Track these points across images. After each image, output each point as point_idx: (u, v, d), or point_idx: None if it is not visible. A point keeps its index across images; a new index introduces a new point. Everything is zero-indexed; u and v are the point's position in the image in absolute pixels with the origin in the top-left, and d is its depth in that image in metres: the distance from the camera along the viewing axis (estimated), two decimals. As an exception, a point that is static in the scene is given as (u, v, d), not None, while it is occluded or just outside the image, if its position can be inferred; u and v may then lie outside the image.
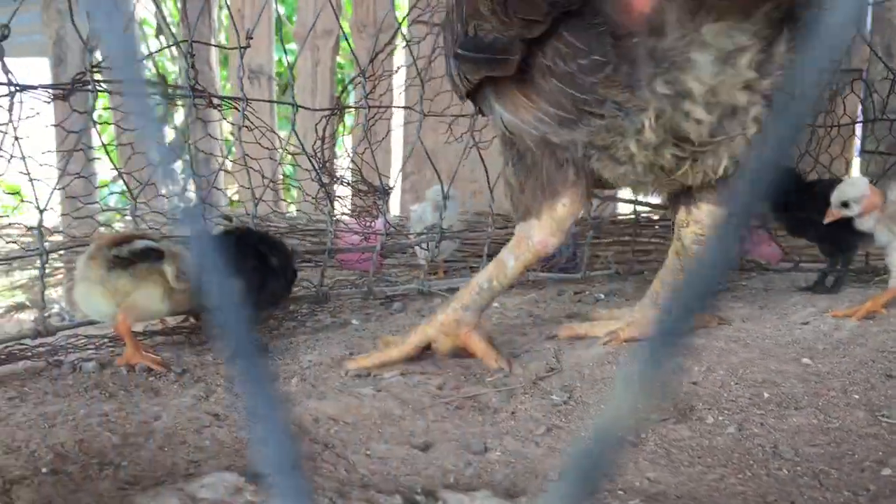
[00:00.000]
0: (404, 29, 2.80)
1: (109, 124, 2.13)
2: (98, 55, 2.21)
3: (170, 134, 3.12)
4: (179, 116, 2.88)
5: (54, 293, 4.51)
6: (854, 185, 2.35)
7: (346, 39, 2.61)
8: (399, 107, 2.72)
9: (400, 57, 4.47)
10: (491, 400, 1.74)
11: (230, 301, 0.37)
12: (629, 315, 2.15)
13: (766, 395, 1.66)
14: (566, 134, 1.72)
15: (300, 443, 1.48)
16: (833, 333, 2.07)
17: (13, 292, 4.43)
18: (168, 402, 1.72)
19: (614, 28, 1.52)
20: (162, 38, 8.56)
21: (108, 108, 2.19)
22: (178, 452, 1.40)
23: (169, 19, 8.09)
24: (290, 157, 2.75)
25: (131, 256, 1.92)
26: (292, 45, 7.70)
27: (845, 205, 2.32)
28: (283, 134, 3.56)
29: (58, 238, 3.00)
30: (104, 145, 2.05)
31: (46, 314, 3.52)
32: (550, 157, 1.85)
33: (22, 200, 2.03)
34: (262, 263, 2.16)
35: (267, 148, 2.42)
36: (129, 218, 2.59)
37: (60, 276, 4.25)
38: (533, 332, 2.30)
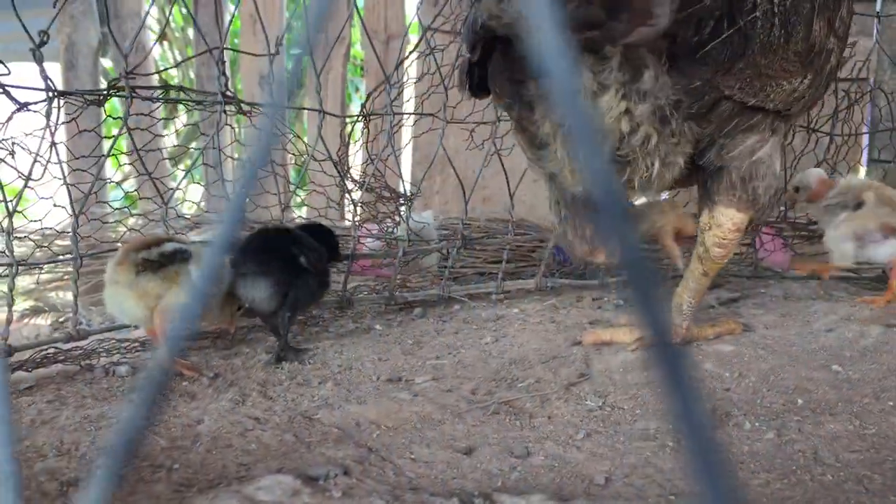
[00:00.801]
0: (420, 36, 2.82)
1: (141, 129, 2.14)
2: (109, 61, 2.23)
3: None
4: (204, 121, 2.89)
5: (62, 298, 4.52)
6: (807, 175, 2.71)
7: (370, 45, 2.62)
8: (424, 114, 2.73)
9: (413, 64, 4.50)
10: (525, 405, 1.75)
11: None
12: None
13: (799, 401, 1.68)
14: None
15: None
16: (859, 341, 2.09)
17: (22, 297, 4.44)
18: (206, 406, 1.74)
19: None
20: (166, 43, 8.60)
21: (139, 115, 2.21)
22: (226, 455, 1.42)
23: (173, 25, 8.12)
24: (300, 161, 2.76)
25: (160, 259, 1.93)
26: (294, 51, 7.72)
27: (797, 190, 2.70)
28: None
29: (64, 243, 3.01)
30: (136, 149, 2.06)
31: (62, 319, 3.54)
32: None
33: (54, 205, 2.04)
34: (295, 264, 2.18)
35: (293, 154, 2.44)
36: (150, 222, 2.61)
37: (66, 281, 4.25)
38: (558, 338, 2.32)
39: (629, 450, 1.47)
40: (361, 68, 7.27)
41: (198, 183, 5.51)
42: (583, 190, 1.93)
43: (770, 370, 1.87)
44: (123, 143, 2.53)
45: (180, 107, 2.80)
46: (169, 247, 1.95)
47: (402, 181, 2.66)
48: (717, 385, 1.80)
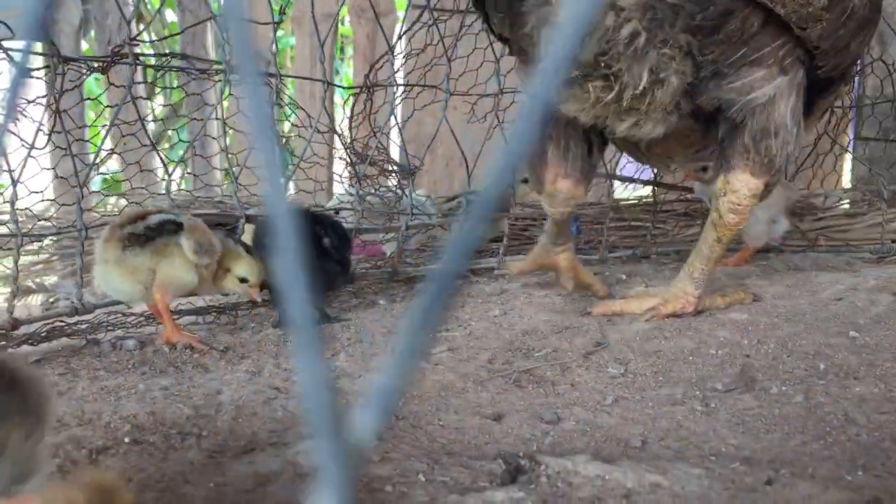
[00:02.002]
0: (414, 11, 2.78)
1: (146, 99, 2.09)
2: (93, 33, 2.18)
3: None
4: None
5: (48, 280, 4.44)
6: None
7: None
8: (427, 86, 2.69)
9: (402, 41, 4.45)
10: (546, 373, 1.74)
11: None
12: (666, 291, 2.16)
13: (822, 366, 1.68)
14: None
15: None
16: (870, 308, 2.09)
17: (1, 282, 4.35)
18: (222, 377, 1.70)
19: None
20: (142, 24, 8.45)
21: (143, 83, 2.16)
22: (253, 423, 1.39)
23: (149, 6, 7.99)
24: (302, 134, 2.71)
25: (146, 233, 1.87)
26: (280, 33, 7.62)
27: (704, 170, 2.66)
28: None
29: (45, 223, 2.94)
30: (140, 119, 2.01)
31: (52, 300, 3.47)
32: (542, 139, 2.08)
33: (57, 177, 1.98)
34: (317, 245, 2.15)
35: (296, 125, 2.39)
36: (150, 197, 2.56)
37: (54, 261, 4.18)
38: (567, 310, 2.30)
39: (659, 414, 1.46)
40: (342, 48, 7.19)
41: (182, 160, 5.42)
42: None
43: (787, 337, 1.87)
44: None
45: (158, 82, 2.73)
46: (155, 219, 1.88)
47: (408, 155, 2.62)
48: (737, 352, 1.79)
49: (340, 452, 0.26)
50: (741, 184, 1.92)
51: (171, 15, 6.74)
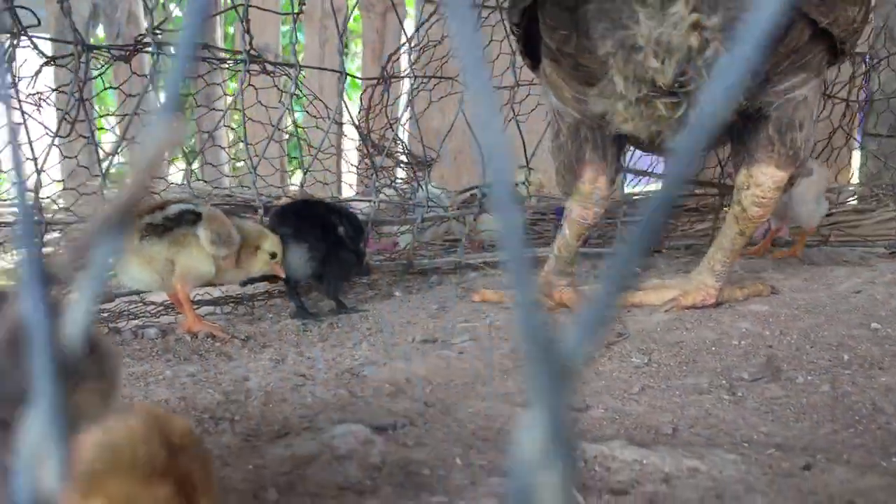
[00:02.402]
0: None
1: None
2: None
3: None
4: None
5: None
6: None
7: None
8: (444, 78, 2.70)
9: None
10: (569, 363, 1.74)
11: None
12: (686, 283, 2.16)
13: (846, 357, 1.68)
14: (581, 109, 1.93)
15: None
16: (889, 301, 2.10)
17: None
18: (246, 365, 1.71)
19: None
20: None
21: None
22: (284, 409, 1.39)
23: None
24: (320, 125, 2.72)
25: (164, 223, 1.87)
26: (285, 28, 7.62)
27: None
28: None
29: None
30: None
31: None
32: (573, 137, 2.03)
33: (78, 165, 1.98)
34: (333, 233, 2.17)
35: (314, 116, 2.40)
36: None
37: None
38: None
39: (687, 402, 1.46)
40: (346, 45, 7.20)
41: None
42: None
43: (808, 328, 1.87)
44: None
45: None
46: (174, 209, 1.88)
47: (424, 147, 2.62)
48: (760, 342, 1.79)
49: (553, 374, 0.26)
50: (766, 177, 1.92)
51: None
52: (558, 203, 3.54)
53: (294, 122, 2.33)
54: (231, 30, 6.21)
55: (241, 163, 3.41)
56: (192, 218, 1.93)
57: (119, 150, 1.97)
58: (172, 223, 1.90)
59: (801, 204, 2.61)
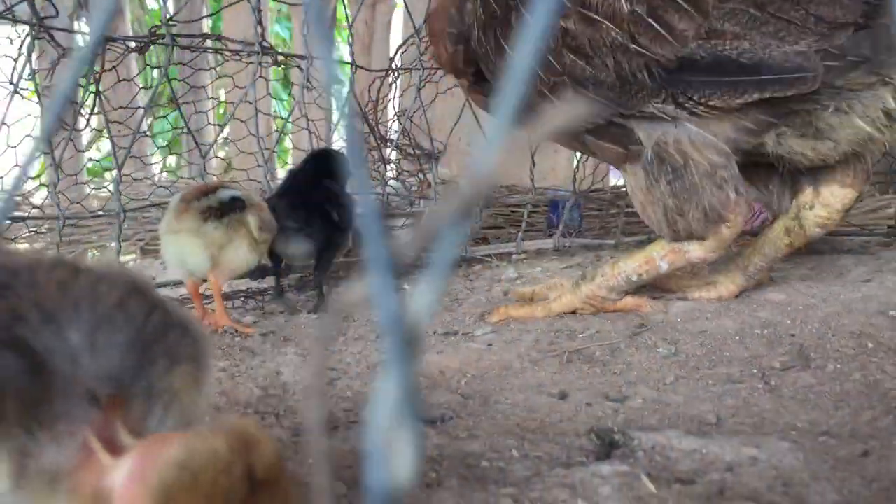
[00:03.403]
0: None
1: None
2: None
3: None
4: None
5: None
6: None
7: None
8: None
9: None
10: (595, 353, 1.75)
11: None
12: (712, 279, 2.15)
13: (870, 344, 1.70)
14: (758, 138, 1.81)
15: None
16: (901, 289, 2.13)
17: None
18: (273, 359, 1.70)
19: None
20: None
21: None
22: (326, 403, 1.38)
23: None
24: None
25: (220, 207, 1.86)
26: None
27: None
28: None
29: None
30: (175, 99, 1.99)
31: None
32: (710, 177, 1.85)
33: (89, 160, 1.95)
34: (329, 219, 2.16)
35: (323, 108, 2.38)
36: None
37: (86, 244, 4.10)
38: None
39: (723, 392, 1.47)
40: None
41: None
42: None
43: (828, 317, 1.89)
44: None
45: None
46: (225, 194, 1.87)
47: (432, 139, 2.61)
48: (783, 331, 1.81)
49: (402, 344, 0.27)
50: (836, 199, 1.93)
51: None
52: (557, 197, 3.55)
53: (304, 114, 2.31)
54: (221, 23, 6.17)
55: (238, 155, 3.37)
56: (240, 204, 1.92)
57: (133, 143, 1.94)
58: (226, 208, 1.89)
59: None
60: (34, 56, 1.71)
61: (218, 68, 2.55)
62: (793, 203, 2.02)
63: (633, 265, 1.98)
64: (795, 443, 1.17)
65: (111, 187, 3.47)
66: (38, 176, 3.11)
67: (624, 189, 3.40)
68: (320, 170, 2.24)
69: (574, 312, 2.05)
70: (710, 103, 1.72)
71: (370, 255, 0.25)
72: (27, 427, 0.63)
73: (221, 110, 5.19)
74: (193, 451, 0.61)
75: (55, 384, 0.66)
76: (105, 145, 4.08)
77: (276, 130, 2.27)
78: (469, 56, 1.97)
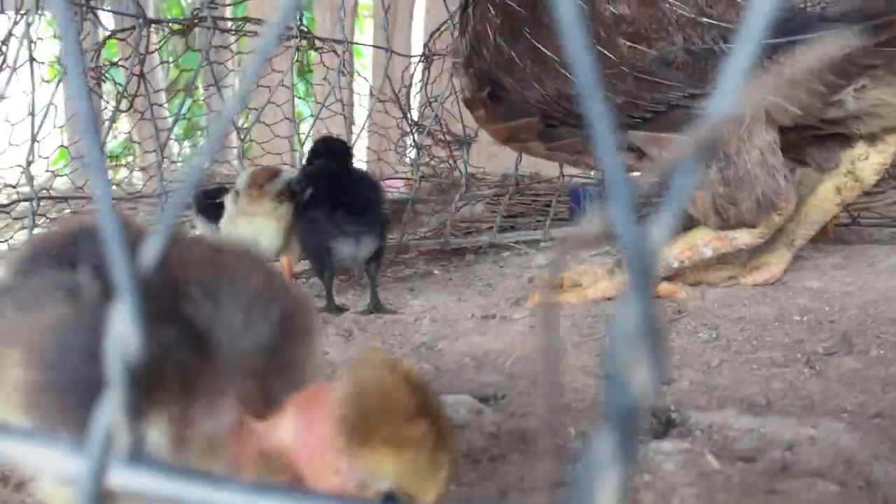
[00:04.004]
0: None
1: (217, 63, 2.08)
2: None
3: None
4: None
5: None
6: None
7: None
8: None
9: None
10: (636, 338, 1.75)
11: None
12: (755, 260, 2.14)
13: (911, 331, 1.70)
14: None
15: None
16: (937, 278, 2.13)
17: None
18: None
19: None
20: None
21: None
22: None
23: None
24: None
25: (285, 190, 1.90)
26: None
27: None
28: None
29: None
30: (216, 83, 2.00)
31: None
32: (762, 166, 1.85)
33: (132, 142, 1.97)
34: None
35: (359, 94, 2.39)
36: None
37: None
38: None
39: (769, 375, 1.48)
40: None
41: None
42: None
43: (866, 304, 1.89)
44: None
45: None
46: (285, 177, 1.91)
47: (464, 126, 2.61)
48: (822, 317, 1.81)
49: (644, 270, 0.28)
50: (892, 142, 1.94)
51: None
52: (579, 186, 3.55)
53: (339, 100, 2.32)
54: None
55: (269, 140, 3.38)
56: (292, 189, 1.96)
57: (172, 126, 1.95)
58: (289, 191, 1.93)
59: None
60: (81, 37, 1.72)
61: (246, 53, 2.55)
62: (842, 161, 2.01)
63: (675, 252, 1.98)
64: (850, 424, 1.18)
65: (137, 173, 3.51)
66: (57, 162, 3.14)
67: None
68: (339, 160, 2.16)
69: (609, 299, 2.05)
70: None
71: (610, 183, 0.26)
72: (186, 396, 0.65)
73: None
74: (366, 379, 0.64)
75: (213, 357, 0.68)
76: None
77: (312, 115, 2.26)
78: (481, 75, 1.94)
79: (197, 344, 0.68)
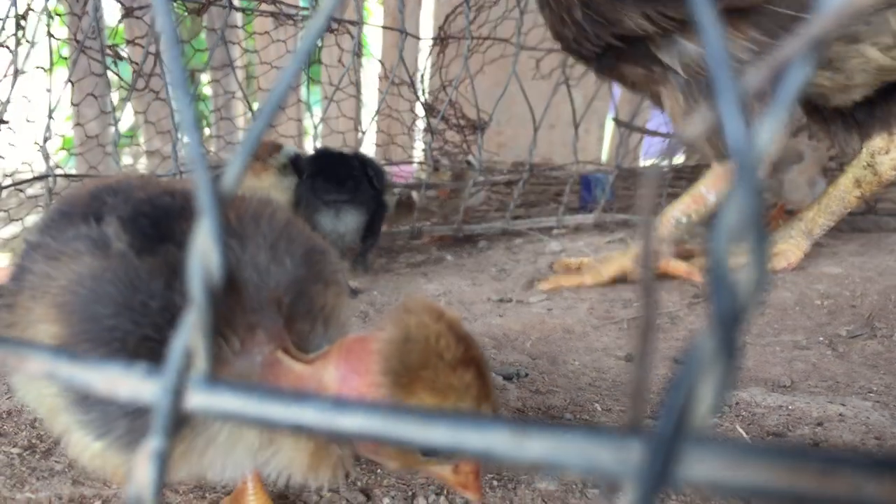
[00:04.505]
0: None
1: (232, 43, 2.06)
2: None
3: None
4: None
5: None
6: None
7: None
8: (498, 39, 2.67)
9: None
10: (656, 321, 1.74)
11: None
12: (790, 250, 2.13)
13: (932, 315, 1.69)
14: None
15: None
16: (956, 265, 2.11)
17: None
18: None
19: None
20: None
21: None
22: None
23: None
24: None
25: (287, 163, 1.88)
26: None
27: None
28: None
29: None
30: (231, 64, 1.99)
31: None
32: None
33: (145, 121, 1.96)
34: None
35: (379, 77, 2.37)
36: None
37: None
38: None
39: (792, 357, 1.47)
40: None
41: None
42: None
43: (885, 290, 1.87)
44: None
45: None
46: (289, 150, 1.89)
47: (479, 111, 2.59)
48: (843, 302, 1.80)
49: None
50: None
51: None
52: (590, 173, 3.54)
53: (353, 82, 2.31)
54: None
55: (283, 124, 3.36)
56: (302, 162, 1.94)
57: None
58: (291, 165, 1.91)
59: (793, 191, 2.57)
60: (97, 14, 1.72)
61: (260, 33, 2.54)
62: (862, 152, 2.00)
63: (681, 207, 1.98)
64: (877, 402, 1.17)
65: (143, 159, 3.51)
66: (65, 146, 3.14)
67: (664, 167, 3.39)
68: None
69: (625, 280, 2.04)
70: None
71: (717, 85, 0.25)
72: (220, 335, 0.64)
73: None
74: (409, 327, 0.63)
75: (244, 295, 0.67)
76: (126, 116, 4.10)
77: (326, 98, 2.25)
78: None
79: (228, 282, 0.66)
